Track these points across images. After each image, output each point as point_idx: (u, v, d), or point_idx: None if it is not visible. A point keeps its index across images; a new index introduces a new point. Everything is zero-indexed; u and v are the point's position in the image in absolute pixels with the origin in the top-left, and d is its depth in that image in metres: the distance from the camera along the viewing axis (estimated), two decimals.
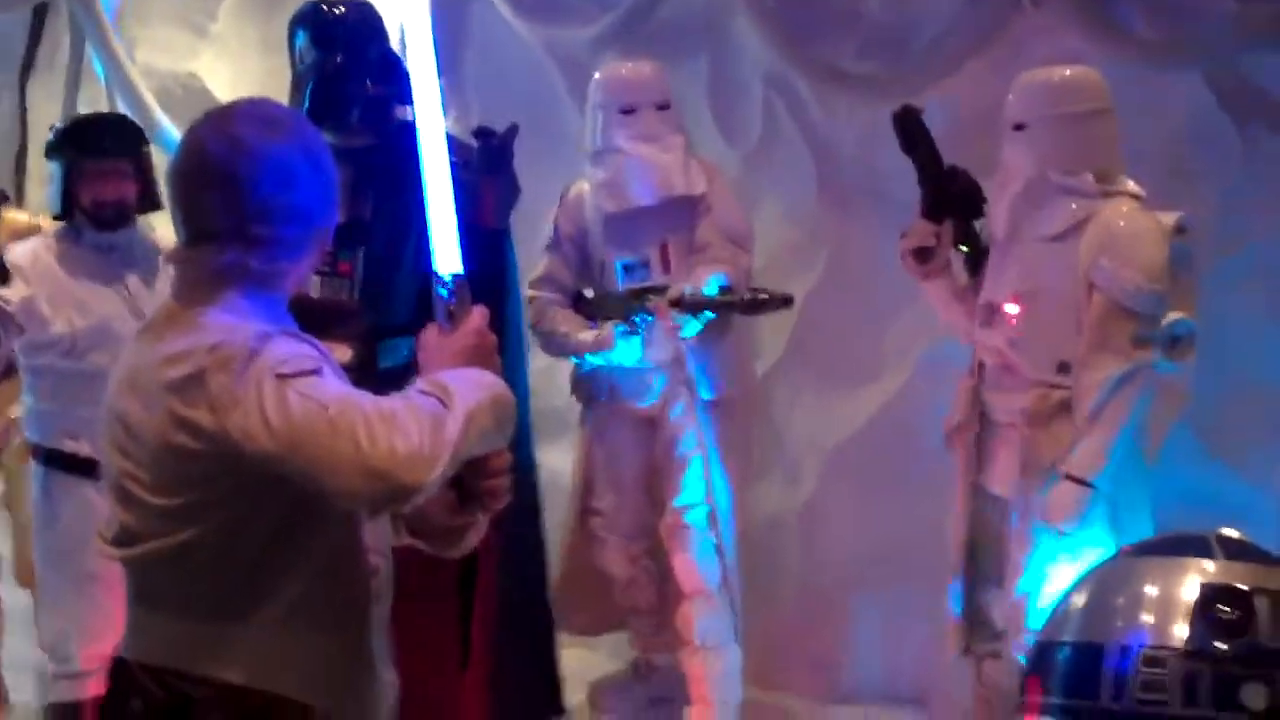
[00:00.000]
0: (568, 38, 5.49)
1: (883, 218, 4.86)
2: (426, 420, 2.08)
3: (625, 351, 4.59)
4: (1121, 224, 3.98)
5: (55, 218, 4.48)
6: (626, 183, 4.63)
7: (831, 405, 5.21)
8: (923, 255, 4.28)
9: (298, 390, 2.07)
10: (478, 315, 2.32)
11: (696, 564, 4.63)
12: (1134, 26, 4.80)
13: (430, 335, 2.33)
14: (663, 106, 4.67)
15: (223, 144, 2.24)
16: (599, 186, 4.68)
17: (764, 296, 4.45)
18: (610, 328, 4.59)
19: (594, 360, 4.68)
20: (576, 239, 4.75)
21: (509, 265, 4.55)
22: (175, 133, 5.70)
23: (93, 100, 5.96)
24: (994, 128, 4.26)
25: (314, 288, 4.13)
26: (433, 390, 2.15)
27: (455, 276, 2.34)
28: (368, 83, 4.31)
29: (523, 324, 4.65)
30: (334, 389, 2.10)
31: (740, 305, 4.47)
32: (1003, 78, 4.36)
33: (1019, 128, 4.10)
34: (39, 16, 6.10)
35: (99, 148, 4.38)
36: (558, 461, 5.00)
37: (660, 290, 4.53)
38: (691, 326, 4.48)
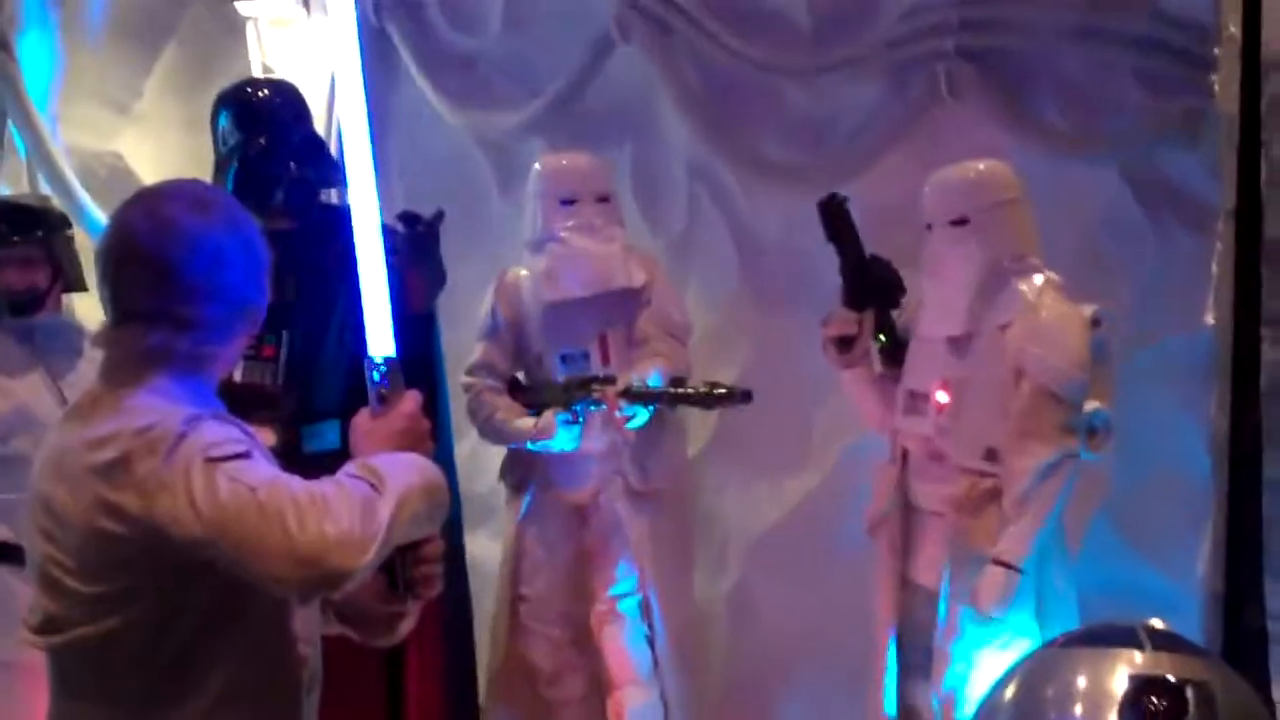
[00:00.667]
0: (493, 123, 5.50)
1: (806, 306, 4.88)
2: (357, 504, 2.06)
3: (565, 440, 4.57)
4: (1047, 311, 4.03)
5: None
6: (565, 273, 4.61)
7: (757, 494, 5.21)
8: (843, 344, 4.32)
9: (226, 474, 2.05)
10: (411, 399, 2.31)
11: (629, 653, 4.61)
12: (1049, 119, 4.88)
13: (362, 419, 2.31)
14: (603, 199, 4.67)
15: (151, 224, 2.23)
16: (538, 276, 4.66)
17: (722, 391, 4.38)
18: (552, 416, 4.56)
19: (530, 447, 4.64)
20: (514, 325, 4.72)
21: (435, 350, 4.52)
22: (97, 212, 5.66)
23: (14, 177, 5.90)
24: (913, 218, 4.31)
25: (237, 371, 4.08)
26: (364, 474, 2.14)
27: (388, 360, 2.33)
28: (291, 165, 4.31)
29: (449, 410, 4.62)
30: (263, 472, 2.08)
31: (698, 399, 4.41)
32: (922, 169, 4.42)
33: (960, 222, 4.12)
34: None
35: (17, 234, 4.32)
36: (481, 549, 4.95)
37: (604, 380, 4.51)
38: (641, 417, 4.47)
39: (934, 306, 4.20)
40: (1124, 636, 2.92)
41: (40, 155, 5.86)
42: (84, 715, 2.18)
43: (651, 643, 4.63)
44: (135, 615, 2.10)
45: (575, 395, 4.51)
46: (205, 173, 4.48)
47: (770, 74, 5.18)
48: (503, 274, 4.77)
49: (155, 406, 2.14)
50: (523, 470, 4.72)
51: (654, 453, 4.62)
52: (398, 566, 2.26)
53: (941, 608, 4.06)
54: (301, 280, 4.18)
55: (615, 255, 4.61)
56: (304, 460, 3.81)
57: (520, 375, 4.73)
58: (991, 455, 4.03)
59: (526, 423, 4.61)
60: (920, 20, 4.93)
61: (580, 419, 4.50)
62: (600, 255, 4.60)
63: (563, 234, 4.61)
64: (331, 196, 4.56)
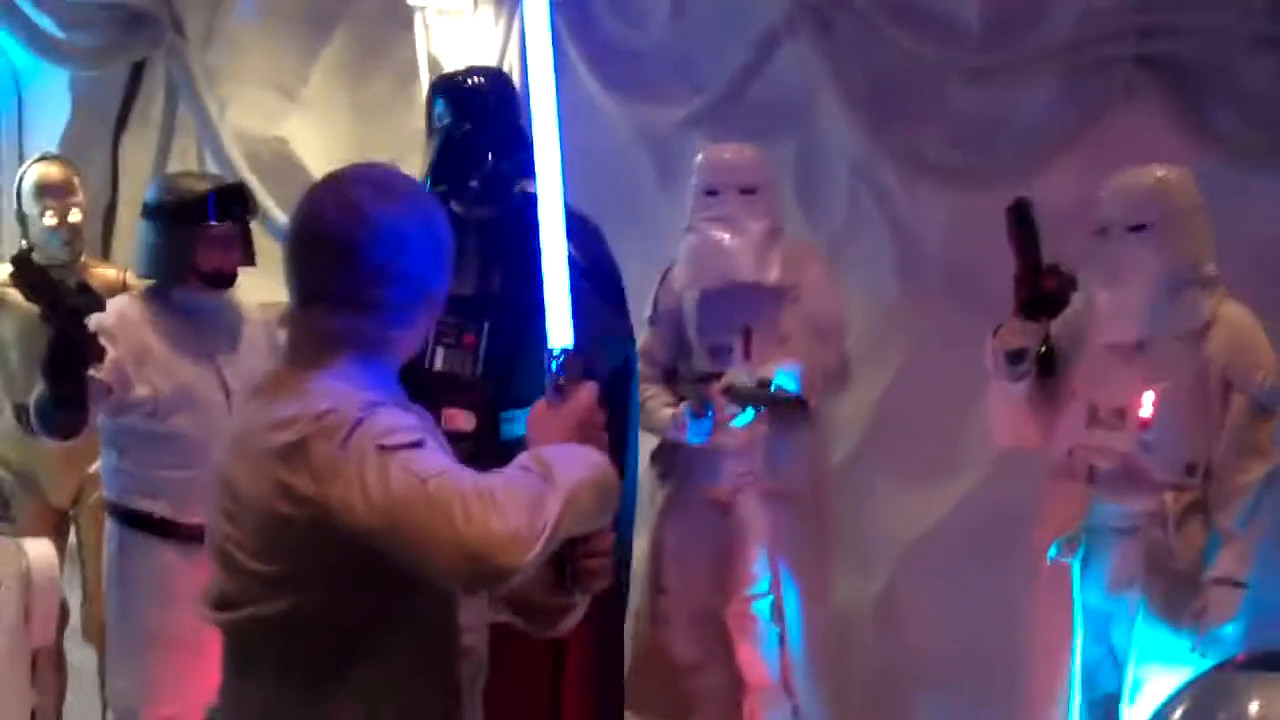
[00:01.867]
0: (656, 117, 5.50)
1: (964, 310, 4.81)
2: (526, 499, 2.03)
3: (694, 434, 4.54)
4: (1240, 322, 3.96)
5: (143, 277, 4.46)
6: (695, 264, 4.62)
7: (906, 499, 5.15)
8: (1014, 357, 4.13)
9: (399, 463, 2.03)
10: (587, 391, 2.27)
11: (760, 656, 4.57)
12: (1229, 129, 4.76)
13: (539, 409, 2.28)
14: (747, 190, 4.61)
15: (337, 208, 2.22)
16: (678, 265, 4.68)
17: (779, 394, 4.38)
18: (683, 408, 4.55)
19: (668, 437, 4.64)
20: (672, 315, 4.73)
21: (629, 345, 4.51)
22: (262, 195, 5.74)
23: (183, 157, 6.01)
24: (1080, 225, 4.21)
25: (438, 359, 4.10)
26: (535, 466, 2.10)
27: (565, 351, 2.31)
28: (489, 155, 4.28)
29: (637, 405, 4.58)
30: (435, 463, 2.05)
31: (764, 399, 4.40)
32: (1092, 176, 4.32)
33: (1140, 228, 4.00)
34: (135, 72, 6.17)
35: (227, 213, 4.32)
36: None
37: (716, 377, 4.50)
38: (744, 417, 4.42)
39: (1111, 312, 4.06)
40: None
41: (209, 137, 5.97)
42: (253, 693, 2.19)
43: (784, 644, 4.58)
44: (305, 598, 2.11)
45: (700, 390, 4.48)
46: (368, 158, 4.50)
47: (937, 73, 5.13)
48: (669, 267, 4.78)
49: (336, 390, 2.13)
50: (667, 460, 4.71)
51: (788, 453, 4.57)
52: (566, 559, 2.24)
53: (1138, 626, 3.94)
54: (504, 270, 4.16)
55: (745, 248, 4.56)
56: (501, 445, 3.81)
57: (681, 368, 4.73)
58: (1191, 469, 3.93)
59: (665, 413, 4.61)
60: (1096, 25, 4.85)
61: (706, 413, 4.47)
62: (729, 247, 4.56)
63: (699, 224, 4.61)
64: (528, 186, 4.57)
